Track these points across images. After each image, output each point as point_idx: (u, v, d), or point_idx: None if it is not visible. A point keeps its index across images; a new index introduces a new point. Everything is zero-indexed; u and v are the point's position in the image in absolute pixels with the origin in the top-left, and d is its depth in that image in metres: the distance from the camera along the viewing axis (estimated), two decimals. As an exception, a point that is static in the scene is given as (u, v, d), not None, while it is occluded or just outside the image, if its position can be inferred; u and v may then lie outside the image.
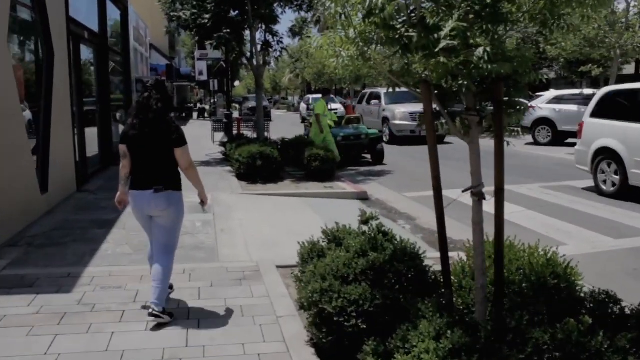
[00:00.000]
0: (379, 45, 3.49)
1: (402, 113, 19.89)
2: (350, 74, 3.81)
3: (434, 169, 3.73)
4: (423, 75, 3.51)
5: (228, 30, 13.45)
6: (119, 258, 6.08)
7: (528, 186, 11.33)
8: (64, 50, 9.42)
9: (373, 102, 22.36)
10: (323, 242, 4.68)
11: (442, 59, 2.99)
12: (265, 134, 16.73)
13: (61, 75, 9.20)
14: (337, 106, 26.37)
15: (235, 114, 29.64)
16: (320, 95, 18.64)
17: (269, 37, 14.88)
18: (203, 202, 4.63)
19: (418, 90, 3.64)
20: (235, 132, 19.01)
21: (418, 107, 16.39)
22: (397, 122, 20.14)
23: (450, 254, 6.70)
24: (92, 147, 12.57)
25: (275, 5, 14.31)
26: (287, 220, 8.15)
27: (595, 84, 27.58)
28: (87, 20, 12.01)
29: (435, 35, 3.05)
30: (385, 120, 21.01)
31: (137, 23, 19.93)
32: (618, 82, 19.43)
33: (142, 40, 21.25)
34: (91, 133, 12.60)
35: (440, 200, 3.76)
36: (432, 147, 3.62)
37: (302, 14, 15.20)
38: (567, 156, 16.49)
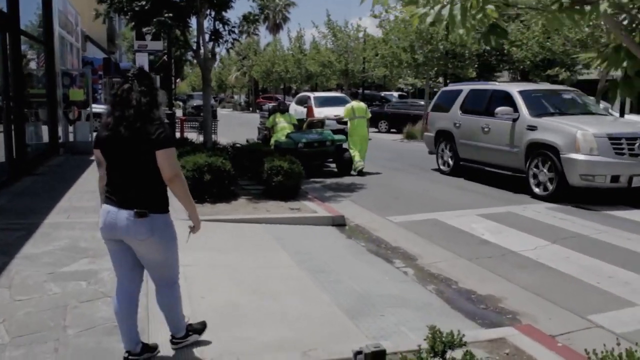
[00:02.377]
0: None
1: (593, 138, 9.63)
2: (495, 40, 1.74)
3: None
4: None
5: (170, 15, 11.11)
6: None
7: (533, 207, 9.47)
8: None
9: (500, 110, 10.97)
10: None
11: None
12: (213, 136, 14.44)
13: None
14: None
15: (179, 113, 27.13)
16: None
17: (219, 26, 12.58)
18: (194, 228, 3.71)
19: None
20: (178, 133, 16.61)
21: (626, 127, 10.54)
22: (583, 157, 9.58)
23: (494, 331, 4.60)
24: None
25: (227, -13, 12.02)
26: (249, 266, 5.94)
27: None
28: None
29: None
30: (539, 149, 10.34)
31: (65, 7, 17.22)
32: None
33: (70, 28, 18.48)
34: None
35: None
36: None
37: (259, 1, 12.89)
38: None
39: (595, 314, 5.02)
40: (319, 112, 20.58)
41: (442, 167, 13.45)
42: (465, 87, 13.27)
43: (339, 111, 19.97)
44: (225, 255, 6.31)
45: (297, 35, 40.14)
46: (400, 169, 14.10)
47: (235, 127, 28.17)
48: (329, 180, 12.24)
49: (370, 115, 14.19)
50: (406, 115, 25.14)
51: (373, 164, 14.49)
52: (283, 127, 13.82)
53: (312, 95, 24.54)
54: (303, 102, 24.13)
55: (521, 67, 31.14)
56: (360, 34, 32.91)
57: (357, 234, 7.82)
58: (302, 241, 7.22)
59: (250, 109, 58.12)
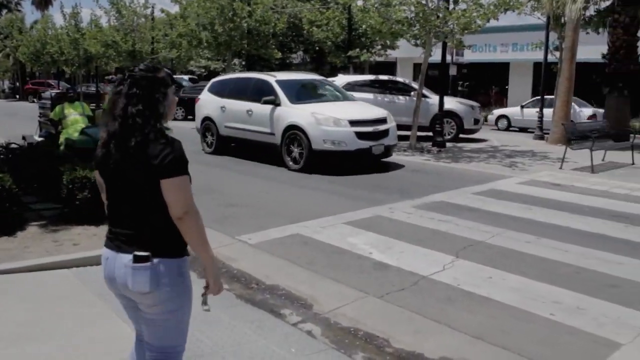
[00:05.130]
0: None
1: None
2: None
3: None
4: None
5: None
6: None
7: (399, 207, 8.20)
8: None
9: None
10: None
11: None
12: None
13: None
14: (377, 112, 12.13)
15: None
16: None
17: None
18: (208, 287, 2.61)
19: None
20: None
21: None
22: None
23: None
24: None
25: None
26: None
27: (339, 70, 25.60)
28: None
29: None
30: None
31: None
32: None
33: None
34: None
35: None
36: None
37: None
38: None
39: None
40: (316, 113, 11.41)
41: None
42: None
43: (339, 110, 11.67)
44: (26, 346, 3.87)
45: (73, 11, 35.34)
46: (216, 165, 12.12)
47: (3, 119, 23.74)
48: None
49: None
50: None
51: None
52: (75, 120, 10.96)
53: (272, 79, 12.62)
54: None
55: (317, 47, 30.58)
56: (148, 11, 29.86)
57: (210, 269, 5.76)
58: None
59: (17, 96, 51.26)
